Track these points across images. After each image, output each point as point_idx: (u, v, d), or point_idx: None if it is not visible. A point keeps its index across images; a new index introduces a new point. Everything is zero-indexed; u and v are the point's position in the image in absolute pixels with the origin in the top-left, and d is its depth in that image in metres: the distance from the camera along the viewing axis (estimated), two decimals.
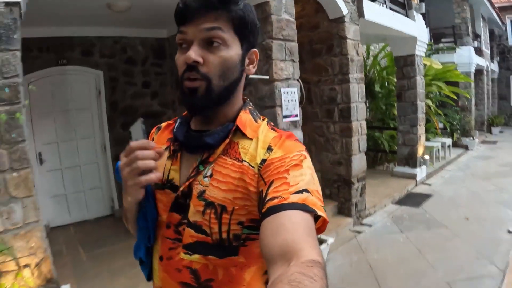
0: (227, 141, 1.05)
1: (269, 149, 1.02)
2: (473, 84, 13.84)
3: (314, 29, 5.75)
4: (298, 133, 4.46)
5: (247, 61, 1.08)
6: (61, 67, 5.41)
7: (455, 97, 10.80)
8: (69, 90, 5.60)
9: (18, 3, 2.87)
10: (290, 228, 0.83)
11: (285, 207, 0.87)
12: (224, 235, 1.02)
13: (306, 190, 0.91)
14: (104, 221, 5.91)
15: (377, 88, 8.94)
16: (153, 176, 0.97)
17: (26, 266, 2.88)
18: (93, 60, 5.67)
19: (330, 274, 3.96)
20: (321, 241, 4.25)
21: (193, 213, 1.05)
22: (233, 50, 1.02)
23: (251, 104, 1.17)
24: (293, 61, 4.41)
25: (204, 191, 1.03)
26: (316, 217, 0.91)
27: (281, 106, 4.21)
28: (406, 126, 7.98)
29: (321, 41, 5.72)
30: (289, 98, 4.30)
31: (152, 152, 0.97)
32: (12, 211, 2.82)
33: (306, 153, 1.02)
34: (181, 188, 1.07)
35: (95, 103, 5.84)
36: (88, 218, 5.89)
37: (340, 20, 5.49)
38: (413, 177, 7.82)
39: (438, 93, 10.41)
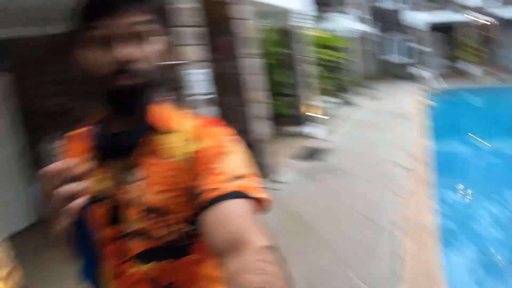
0: (150, 138, 1.01)
1: (197, 139, 0.99)
2: (354, 47, 15.33)
3: (208, 11, 6.28)
4: (213, 109, 5.05)
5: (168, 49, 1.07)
6: None
7: (339, 60, 12.04)
8: None
9: None
10: (233, 218, 0.83)
11: (223, 197, 0.86)
12: (174, 236, 1.00)
13: (241, 176, 0.91)
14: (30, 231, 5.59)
15: (268, 60, 9.81)
16: (81, 201, 0.83)
17: None
18: None
19: (266, 226, 4.64)
20: None
21: (134, 222, 1.00)
22: (160, 41, 0.99)
23: (168, 93, 1.13)
24: (199, 44, 4.97)
25: (140, 197, 0.99)
26: (257, 199, 0.91)
27: (193, 87, 4.78)
28: (300, 91, 8.92)
29: (215, 22, 6.18)
30: (199, 78, 4.89)
31: (75, 173, 0.83)
32: None
33: (235, 137, 1.02)
34: (115, 198, 1.01)
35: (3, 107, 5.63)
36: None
37: (224, 2, 6.13)
38: (312, 135, 8.84)
39: (323, 58, 11.56)
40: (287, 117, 9.77)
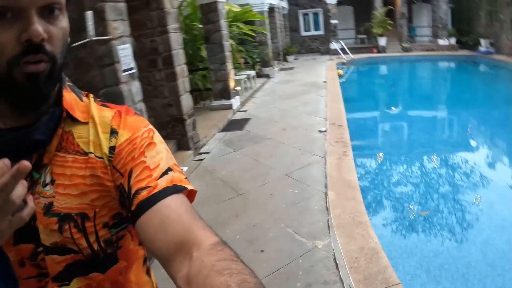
0: (59, 132, 0.86)
1: (113, 132, 0.89)
2: (267, 21, 15.83)
3: None
4: (136, 83, 5.29)
5: None
6: None
7: (253, 34, 12.49)
8: None
9: None
10: (175, 218, 0.78)
11: (158, 196, 0.81)
12: (96, 246, 0.89)
13: (169, 169, 0.86)
14: None
15: (183, 35, 10.01)
16: (29, 211, 0.70)
17: None
18: None
19: (197, 194, 5.00)
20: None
21: (48, 235, 0.85)
22: (66, 19, 0.83)
23: (67, 78, 0.96)
24: (123, 20, 5.15)
25: (51, 204, 0.84)
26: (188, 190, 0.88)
27: (119, 62, 4.97)
28: (216, 65, 9.24)
29: None
30: (125, 53, 5.09)
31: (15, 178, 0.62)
32: None
33: (151, 126, 0.95)
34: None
35: None
36: None
37: None
38: (230, 107, 9.23)
39: (238, 32, 11.95)
40: (204, 91, 10.09)
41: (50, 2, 0.75)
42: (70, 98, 0.90)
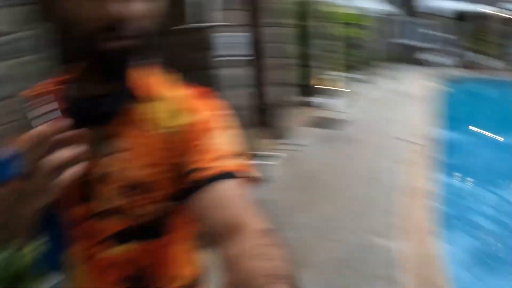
0: (135, 105, 0.91)
1: (185, 111, 0.92)
2: (375, 27, 15.79)
3: None
4: (238, 70, 5.68)
5: None
6: None
7: (359, 38, 12.55)
8: None
9: None
10: (227, 200, 0.81)
11: (215, 178, 0.82)
12: (151, 216, 0.94)
13: (234, 154, 0.88)
14: None
15: (288, 31, 10.33)
16: (76, 171, 0.72)
17: None
18: None
19: (280, 185, 5.30)
20: (266, 156, 5.62)
21: (106, 199, 0.91)
22: (163, 2, 0.87)
23: (151, 58, 1.01)
24: (236, 9, 5.54)
25: (119, 171, 0.90)
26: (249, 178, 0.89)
27: (218, 49, 5.29)
28: (319, 63, 9.47)
29: None
30: (236, 41, 5.47)
31: (65, 137, 0.70)
32: None
33: (224, 111, 0.97)
34: (89, 171, 0.86)
35: None
36: None
37: None
38: (329, 106, 9.35)
39: (345, 34, 12.07)
40: (303, 87, 10.31)
41: None
42: (150, 77, 0.95)
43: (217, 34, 5.27)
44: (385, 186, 5.12)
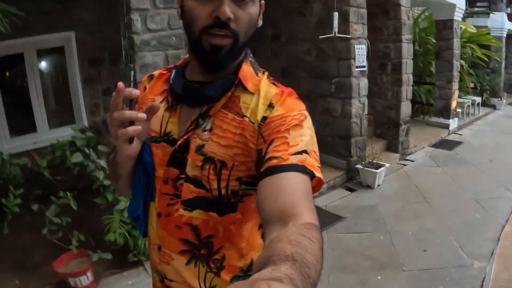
0: (228, 94, 1.05)
1: (270, 106, 1.02)
2: (504, 48, 15.06)
3: None
4: (365, 80, 5.98)
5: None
6: None
7: (486, 59, 12.10)
8: None
9: None
10: (289, 191, 0.86)
11: (284, 168, 0.89)
12: (223, 191, 1.05)
13: (305, 151, 0.93)
14: None
15: (416, 47, 10.26)
16: (129, 130, 0.93)
17: None
18: None
19: (386, 193, 5.58)
20: (379, 166, 5.77)
21: (192, 168, 1.06)
22: (256, 5, 1.01)
23: (251, 55, 1.15)
24: (363, 23, 5.87)
25: (203, 146, 1.04)
26: (312, 177, 0.93)
27: (354, 58, 5.70)
28: (442, 82, 9.32)
29: (378, 6, 6.99)
30: (360, 52, 5.79)
31: (123, 101, 0.93)
32: None
33: (306, 113, 1.03)
34: (178, 142, 1.07)
35: None
36: None
37: None
38: (446, 126, 9.25)
39: (471, 54, 11.76)
40: (425, 105, 10.29)
41: None
42: (247, 70, 1.08)
43: (356, 46, 5.70)
44: (489, 210, 5.05)
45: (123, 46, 3.92)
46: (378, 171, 5.67)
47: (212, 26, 0.95)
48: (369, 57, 6.12)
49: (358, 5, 5.75)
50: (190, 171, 1.06)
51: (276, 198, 0.85)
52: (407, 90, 7.22)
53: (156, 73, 1.24)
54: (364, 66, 5.90)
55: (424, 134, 8.63)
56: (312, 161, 0.93)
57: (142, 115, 0.95)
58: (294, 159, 0.90)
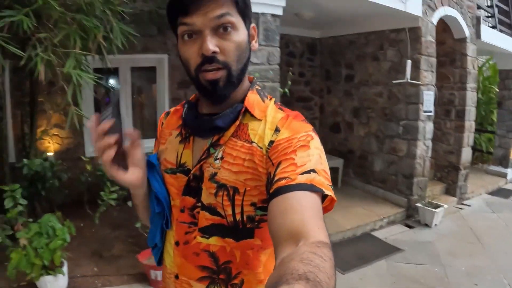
0: (237, 123, 1.11)
1: (277, 130, 1.07)
2: None
3: (440, 44, 7.42)
4: (430, 124, 6.47)
5: (250, 37, 1.13)
6: None
7: None
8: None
9: (279, 15, 4.61)
10: (298, 209, 0.87)
11: (292, 188, 0.91)
12: (238, 217, 1.09)
13: (313, 170, 0.95)
14: None
15: (479, 95, 10.52)
16: (109, 155, 1.02)
17: None
18: None
19: (442, 232, 5.97)
20: (438, 206, 6.17)
21: (207, 196, 1.11)
22: (241, 32, 1.06)
23: (258, 83, 1.22)
24: (432, 71, 6.40)
25: (215, 173, 1.09)
26: (324, 197, 0.96)
27: (422, 103, 6.22)
28: (503, 131, 9.61)
29: (445, 55, 7.52)
30: (428, 98, 6.31)
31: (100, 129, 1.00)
32: None
33: (313, 133, 1.06)
34: (192, 171, 1.14)
35: None
36: None
37: (463, 40, 7.31)
38: (504, 175, 9.46)
39: None
40: (485, 153, 10.55)
41: (220, 23, 1.00)
42: (253, 98, 1.14)
43: (424, 91, 6.25)
44: None
45: None
46: (436, 210, 6.06)
47: (203, 63, 1.03)
48: (435, 103, 6.61)
49: (429, 54, 6.31)
50: (205, 199, 1.12)
51: (285, 217, 0.87)
52: (468, 137, 7.61)
53: (172, 109, 1.35)
54: (430, 111, 6.41)
55: (482, 181, 8.92)
56: (321, 180, 0.95)
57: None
58: (302, 179, 0.93)
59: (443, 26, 7.24)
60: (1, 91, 4.72)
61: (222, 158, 1.10)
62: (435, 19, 6.42)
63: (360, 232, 5.70)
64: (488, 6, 8.50)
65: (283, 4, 4.54)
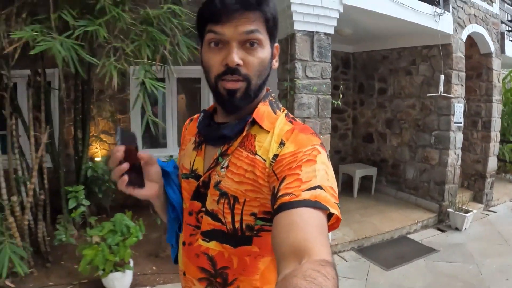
0: (244, 133, 1.15)
1: (282, 143, 1.08)
2: None
3: (467, 59, 7.85)
4: (460, 135, 7.00)
5: (272, 56, 1.17)
6: None
7: None
8: None
9: (331, 34, 5.16)
10: (302, 226, 0.88)
11: (296, 204, 0.92)
12: (237, 225, 1.13)
13: (319, 187, 0.95)
14: None
15: (502, 106, 11.04)
16: (119, 182, 1.11)
17: None
18: None
19: (472, 235, 6.47)
20: (467, 211, 6.68)
21: (210, 202, 1.17)
22: (266, 49, 1.11)
23: (272, 95, 1.25)
24: (461, 85, 6.93)
25: (220, 181, 1.15)
26: (330, 214, 0.95)
27: (453, 115, 6.75)
28: None
29: (472, 69, 8.03)
30: (458, 110, 6.84)
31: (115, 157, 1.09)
32: None
33: (320, 148, 1.06)
34: (201, 178, 1.20)
35: None
36: None
37: (488, 55, 7.86)
38: None
39: None
40: (508, 163, 10.91)
41: (248, 39, 1.07)
42: (264, 110, 1.18)
43: (455, 104, 6.80)
44: None
45: (278, 88, 5.23)
46: (467, 215, 6.56)
47: (225, 73, 1.08)
48: (464, 115, 7.14)
49: (459, 69, 6.84)
50: (209, 205, 1.17)
51: (289, 233, 0.87)
52: (494, 146, 8.11)
53: (195, 116, 1.40)
54: (460, 122, 6.94)
55: (506, 190, 9.37)
56: (327, 197, 0.95)
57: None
58: (306, 195, 0.93)
59: (470, 41, 7.73)
60: (63, 98, 5.10)
61: (227, 167, 1.15)
62: (464, 36, 6.98)
63: (397, 235, 6.20)
64: (509, 21, 9.03)
65: (335, 23, 5.11)
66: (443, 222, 6.96)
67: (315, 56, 5.02)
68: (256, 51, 1.08)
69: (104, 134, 6.62)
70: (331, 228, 0.99)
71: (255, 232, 1.12)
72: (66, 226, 4.62)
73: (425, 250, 5.72)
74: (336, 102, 5.43)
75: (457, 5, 6.78)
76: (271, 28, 1.12)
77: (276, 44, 1.19)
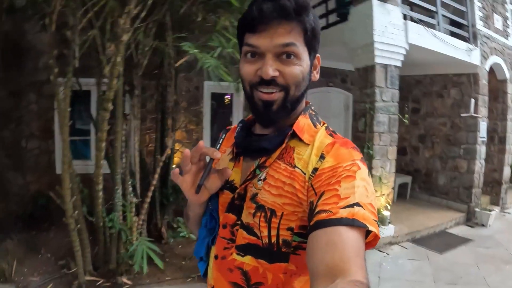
0: (283, 146, 1.14)
1: (322, 157, 1.08)
2: None
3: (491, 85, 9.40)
4: (484, 147, 8.64)
5: (312, 67, 1.18)
6: (328, 88, 9.59)
7: None
8: (328, 103, 9.54)
9: (399, 66, 6.77)
10: (339, 246, 0.88)
11: (333, 222, 0.91)
12: (273, 240, 1.10)
13: (357, 204, 0.95)
14: None
15: None
16: (188, 189, 1.15)
17: None
18: (346, 86, 9.91)
19: (497, 229, 7.96)
20: (490, 210, 8.24)
21: (246, 215, 1.15)
22: (304, 62, 1.11)
23: (312, 108, 1.25)
24: (485, 107, 8.57)
25: (256, 194, 1.13)
26: (368, 231, 0.95)
27: (479, 131, 8.40)
28: None
29: (490, 92, 9.37)
30: (482, 127, 8.46)
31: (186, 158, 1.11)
32: None
33: (361, 163, 1.06)
34: (237, 190, 1.18)
35: (343, 114, 9.95)
36: None
37: (504, 81, 9.49)
38: None
39: None
40: None
41: (283, 51, 1.08)
42: (304, 122, 1.19)
43: (481, 122, 8.45)
44: None
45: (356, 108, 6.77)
46: (491, 213, 8.18)
47: (260, 83, 1.10)
48: (485, 131, 8.80)
49: (483, 93, 8.51)
50: (244, 218, 1.16)
51: (324, 252, 0.88)
52: (508, 158, 9.74)
53: (232, 127, 1.41)
54: (484, 137, 8.60)
55: None
56: (366, 214, 0.95)
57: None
58: (344, 213, 0.93)
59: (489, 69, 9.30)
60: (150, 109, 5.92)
61: (264, 179, 1.14)
62: (487, 66, 8.65)
63: (438, 230, 7.76)
64: None
65: (402, 58, 6.68)
66: (470, 220, 8.52)
67: (388, 83, 6.59)
68: (292, 63, 1.09)
69: (177, 143, 7.38)
70: (369, 245, 1.00)
71: (292, 249, 1.10)
72: (173, 225, 5.63)
73: (463, 240, 7.27)
74: (405, 120, 7.03)
75: (483, 41, 8.48)
76: (310, 39, 1.12)
77: (318, 55, 1.19)
